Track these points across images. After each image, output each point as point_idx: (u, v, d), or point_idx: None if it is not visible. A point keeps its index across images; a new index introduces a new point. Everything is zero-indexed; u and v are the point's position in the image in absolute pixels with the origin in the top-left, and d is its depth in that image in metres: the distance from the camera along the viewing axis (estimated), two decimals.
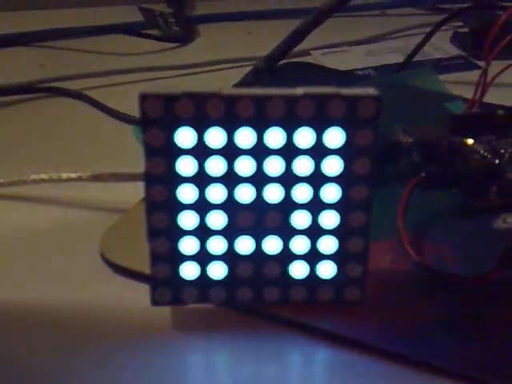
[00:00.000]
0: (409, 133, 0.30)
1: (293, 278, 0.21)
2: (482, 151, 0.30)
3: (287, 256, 0.21)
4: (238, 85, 0.37)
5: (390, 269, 0.24)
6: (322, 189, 0.20)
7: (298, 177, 0.20)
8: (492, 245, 0.25)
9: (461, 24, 0.48)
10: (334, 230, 0.21)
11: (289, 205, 0.20)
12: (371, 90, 0.19)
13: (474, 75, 0.33)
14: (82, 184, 0.28)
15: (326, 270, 0.21)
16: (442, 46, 0.46)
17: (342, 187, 0.20)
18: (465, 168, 0.27)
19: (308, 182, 0.20)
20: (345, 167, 0.20)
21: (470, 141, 0.31)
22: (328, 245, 0.21)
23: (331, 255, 0.21)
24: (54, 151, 0.33)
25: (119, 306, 0.23)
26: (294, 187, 0.20)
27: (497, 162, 0.29)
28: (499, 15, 0.45)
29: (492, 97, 0.32)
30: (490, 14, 0.44)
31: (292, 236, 0.21)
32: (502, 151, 0.30)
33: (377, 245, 0.25)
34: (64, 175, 0.28)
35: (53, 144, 0.34)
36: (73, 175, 0.28)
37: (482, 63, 0.32)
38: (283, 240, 0.21)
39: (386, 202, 0.26)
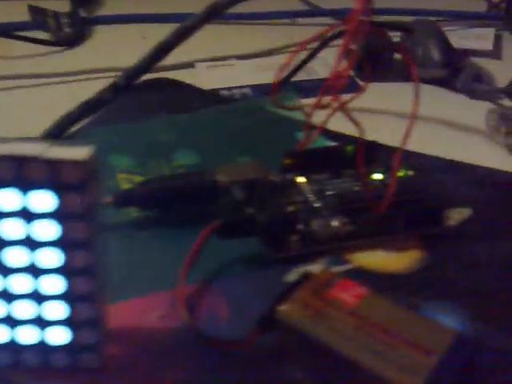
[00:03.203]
0: (225, 172, 0.28)
1: (22, 344, 0.20)
2: (306, 192, 0.28)
3: (12, 321, 0.20)
4: (92, 101, 0.35)
5: (156, 327, 0.22)
6: (37, 253, 0.19)
7: (9, 240, 0.18)
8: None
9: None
10: (59, 295, 0.19)
11: (6, 268, 0.19)
12: (83, 151, 0.17)
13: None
14: None
15: (57, 336, 0.20)
16: (330, 64, 0.44)
17: (63, 252, 0.19)
18: (260, 215, 0.25)
19: (22, 245, 0.18)
20: (62, 231, 0.18)
21: (302, 179, 0.29)
22: (55, 310, 0.19)
23: (61, 321, 0.20)
24: None
25: None
26: (5, 250, 0.18)
27: (317, 205, 0.28)
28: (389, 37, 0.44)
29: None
30: (380, 36, 0.42)
31: (13, 300, 0.19)
32: (328, 193, 0.28)
33: (149, 298, 0.23)
34: None
35: None
36: None
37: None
38: (7, 304, 0.19)
39: (182, 249, 0.24)
